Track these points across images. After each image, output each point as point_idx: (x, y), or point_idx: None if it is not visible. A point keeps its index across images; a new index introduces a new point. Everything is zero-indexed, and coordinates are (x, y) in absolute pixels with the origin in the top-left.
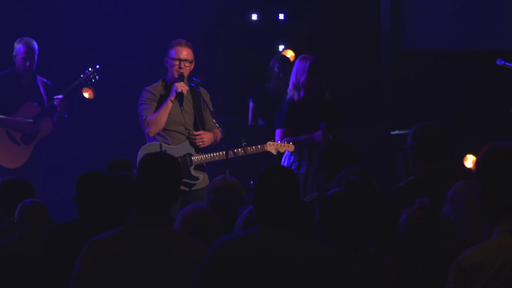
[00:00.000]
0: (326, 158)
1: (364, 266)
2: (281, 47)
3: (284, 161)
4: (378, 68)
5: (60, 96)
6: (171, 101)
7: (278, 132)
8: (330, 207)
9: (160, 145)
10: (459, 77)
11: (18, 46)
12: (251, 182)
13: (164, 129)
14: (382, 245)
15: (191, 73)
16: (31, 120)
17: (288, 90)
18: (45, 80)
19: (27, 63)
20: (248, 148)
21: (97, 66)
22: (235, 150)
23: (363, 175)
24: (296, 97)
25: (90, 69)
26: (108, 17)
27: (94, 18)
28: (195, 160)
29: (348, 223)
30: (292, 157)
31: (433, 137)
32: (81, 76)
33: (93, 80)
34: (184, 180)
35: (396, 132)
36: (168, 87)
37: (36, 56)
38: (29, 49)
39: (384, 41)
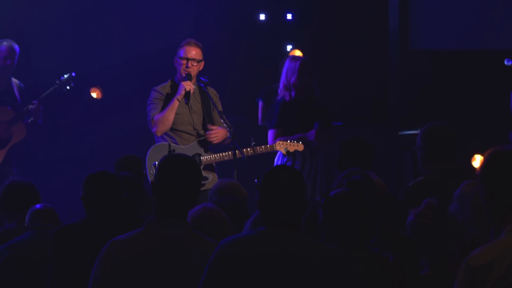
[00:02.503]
0: (343, 155)
1: (369, 266)
2: (289, 47)
3: (278, 161)
4: (386, 68)
5: (35, 102)
6: (178, 100)
7: (270, 133)
8: (333, 207)
9: (169, 145)
10: (467, 77)
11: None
12: (256, 181)
13: (172, 129)
14: (386, 245)
15: (200, 73)
16: (6, 125)
17: (279, 91)
18: (18, 82)
19: (8, 62)
20: (258, 147)
21: (73, 74)
22: (244, 150)
23: (365, 175)
24: (287, 97)
25: (65, 75)
26: (117, 17)
27: (102, 18)
28: (204, 160)
29: (352, 223)
30: (286, 157)
31: (442, 137)
32: (56, 82)
33: (68, 87)
34: None
35: (404, 132)
36: (176, 87)
37: (16, 58)
38: (11, 49)
39: (392, 41)
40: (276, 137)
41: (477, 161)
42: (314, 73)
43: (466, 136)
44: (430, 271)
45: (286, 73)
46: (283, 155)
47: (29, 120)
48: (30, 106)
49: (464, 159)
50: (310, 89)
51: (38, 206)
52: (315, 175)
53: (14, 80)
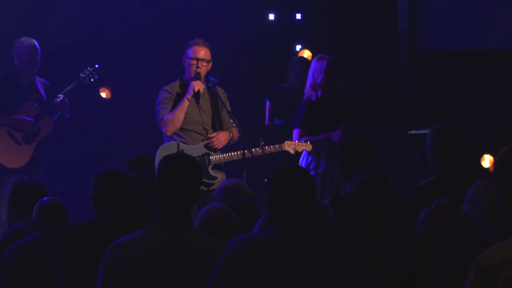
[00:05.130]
0: (345, 156)
1: (378, 266)
2: (298, 47)
3: (302, 161)
4: (395, 68)
5: (60, 96)
6: (188, 99)
7: (295, 132)
8: (343, 207)
9: (178, 144)
10: (476, 77)
11: (23, 46)
12: (265, 181)
13: (181, 129)
14: (396, 245)
15: (209, 73)
16: (32, 120)
17: (306, 90)
18: (43, 80)
19: (32, 60)
20: (266, 147)
21: (96, 66)
22: (253, 150)
23: (379, 174)
24: (314, 97)
25: (89, 68)
26: (125, 17)
27: (110, 18)
28: (213, 159)
29: (362, 223)
30: (310, 157)
31: (452, 137)
32: (80, 75)
33: (92, 80)
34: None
35: (413, 132)
36: (185, 87)
37: (39, 55)
38: (33, 47)
39: (401, 40)
40: (301, 137)
41: (486, 161)
42: (341, 73)
43: (476, 136)
44: (441, 271)
45: (312, 73)
46: (308, 154)
47: (56, 116)
48: (56, 100)
49: (473, 159)
50: (337, 89)
51: (45, 200)
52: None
53: (38, 78)
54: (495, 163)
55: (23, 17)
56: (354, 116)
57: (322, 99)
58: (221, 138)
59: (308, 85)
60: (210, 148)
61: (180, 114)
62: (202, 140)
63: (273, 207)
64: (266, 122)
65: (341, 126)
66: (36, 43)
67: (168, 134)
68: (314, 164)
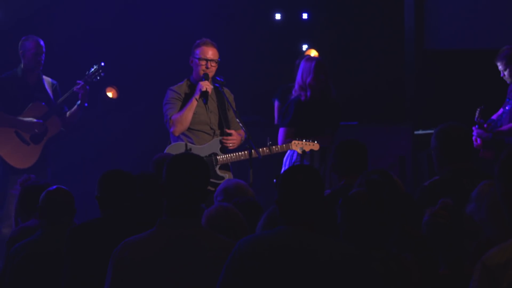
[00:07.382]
0: (338, 158)
1: (387, 266)
2: (304, 47)
3: (286, 161)
4: (402, 68)
5: (80, 82)
6: (196, 99)
7: (281, 131)
8: (352, 207)
9: (186, 144)
10: (482, 76)
11: (27, 43)
12: (274, 181)
13: (189, 129)
14: (405, 245)
15: (215, 73)
16: (40, 121)
17: (293, 91)
18: (50, 79)
19: (38, 58)
20: (273, 147)
21: (102, 63)
22: (260, 150)
23: (385, 174)
24: (303, 97)
25: (94, 66)
26: (131, 16)
27: (116, 18)
28: (220, 159)
29: (370, 223)
30: (294, 157)
31: (456, 137)
32: (86, 73)
33: (98, 78)
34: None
35: (420, 131)
36: (192, 87)
37: (44, 53)
38: (38, 44)
39: (407, 40)
40: (287, 137)
41: None
42: (329, 73)
43: None
44: (446, 270)
45: (301, 73)
46: (292, 155)
47: (77, 104)
48: (76, 87)
49: (478, 158)
50: (326, 89)
51: (52, 187)
52: (324, 173)
53: (45, 77)
54: (498, 163)
55: (28, 17)
56: (338, 116)
57: (311, 99)
58: (236, 140)
59: (297, 86)
60: (218, 147)
61: (188, 114)
62: (213, 138)
63: (282, 207)
64: (275, 121)
65: (327, 130)
66: (40, 40)
67: (176, 134)
68: (297, 164)
